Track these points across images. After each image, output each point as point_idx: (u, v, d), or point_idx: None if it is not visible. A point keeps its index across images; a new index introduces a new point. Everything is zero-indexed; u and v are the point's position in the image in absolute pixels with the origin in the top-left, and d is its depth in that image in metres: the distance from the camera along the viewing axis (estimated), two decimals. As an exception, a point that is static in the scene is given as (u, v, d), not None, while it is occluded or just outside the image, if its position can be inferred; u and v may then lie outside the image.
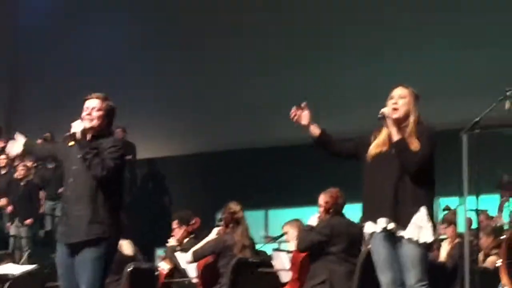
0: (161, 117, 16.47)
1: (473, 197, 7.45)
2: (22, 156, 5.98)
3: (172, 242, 9.24)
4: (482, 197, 10.37)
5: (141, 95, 16.17)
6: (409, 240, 5.61)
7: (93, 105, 6.09)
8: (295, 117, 5.87)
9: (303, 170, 14.68)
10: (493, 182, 8.33)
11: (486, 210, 10.62)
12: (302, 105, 5.87)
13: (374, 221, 5.69)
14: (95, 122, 6.05)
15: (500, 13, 13.53)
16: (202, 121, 16.17)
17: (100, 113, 6.08)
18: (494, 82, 8.05)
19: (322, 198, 7.80)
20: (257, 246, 9.65)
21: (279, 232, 9.19)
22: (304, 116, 5.84)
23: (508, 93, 7.41)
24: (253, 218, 15.05)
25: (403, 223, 5.61)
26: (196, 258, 8.21)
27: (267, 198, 15.39)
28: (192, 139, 16.62)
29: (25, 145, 6.40)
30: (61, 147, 6.35)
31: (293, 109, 5.88)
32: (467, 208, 7.68)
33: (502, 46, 13.44)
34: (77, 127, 6.01)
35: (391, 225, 5.62)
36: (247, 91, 15.58)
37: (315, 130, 5.86)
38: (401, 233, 5.62)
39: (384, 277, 5.73)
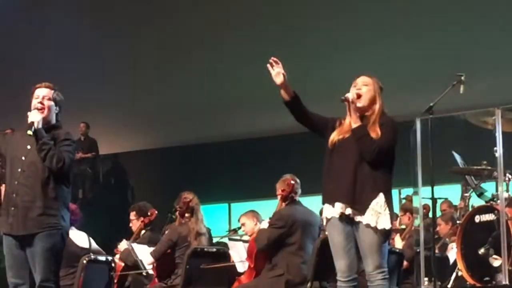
0: (124, 113, 16.38)
1: (429, 185, 7.46)
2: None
3: (124, 244, 8.99)
4: (446, 186, 10.38)
5: (103, 91, 16.04)
6: (367, 225, 5.54)
7: (43, 93, 6.08)
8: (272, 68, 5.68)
9: (265, 162, 14.67)
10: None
11: (447, 198, 10.64)
12: (273, 60, 5.68)
13: (332, 204, 5.63)
14: (47, 112, 6.05)
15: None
16: (164, 116, 16.10)
17: (51, 102, 6.08)
18: (444, 74, 8.11)
19: (279, 186, 7.77)
20: (221, 239, 9.64)
21: (242, 225, 9.14)
22: (277, 75, 5.67)
23: (462, 78, 7.46)
24: (216, 212, 15.13)
25: (361, 209, 5.55)
26: (156, 257, 8.13)
27: (229, 192, 15.39)
28: (155, 134, 16.58)
29: None
30: (3, 138, 6.22)
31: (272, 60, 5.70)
32: (421, 194, 7.68)
33: (445, 39, 13.54)
34: (35, 116, 5.96)
35: (349, 211, 5.56)
36: (207, 87, 15.52)
37: (287, 91, 5.70)
38: (359, 218, 5.56)
39: (339, 263, 5.65)
